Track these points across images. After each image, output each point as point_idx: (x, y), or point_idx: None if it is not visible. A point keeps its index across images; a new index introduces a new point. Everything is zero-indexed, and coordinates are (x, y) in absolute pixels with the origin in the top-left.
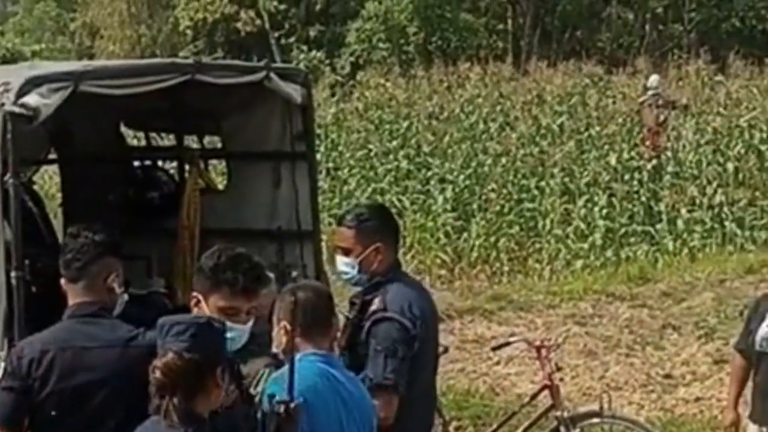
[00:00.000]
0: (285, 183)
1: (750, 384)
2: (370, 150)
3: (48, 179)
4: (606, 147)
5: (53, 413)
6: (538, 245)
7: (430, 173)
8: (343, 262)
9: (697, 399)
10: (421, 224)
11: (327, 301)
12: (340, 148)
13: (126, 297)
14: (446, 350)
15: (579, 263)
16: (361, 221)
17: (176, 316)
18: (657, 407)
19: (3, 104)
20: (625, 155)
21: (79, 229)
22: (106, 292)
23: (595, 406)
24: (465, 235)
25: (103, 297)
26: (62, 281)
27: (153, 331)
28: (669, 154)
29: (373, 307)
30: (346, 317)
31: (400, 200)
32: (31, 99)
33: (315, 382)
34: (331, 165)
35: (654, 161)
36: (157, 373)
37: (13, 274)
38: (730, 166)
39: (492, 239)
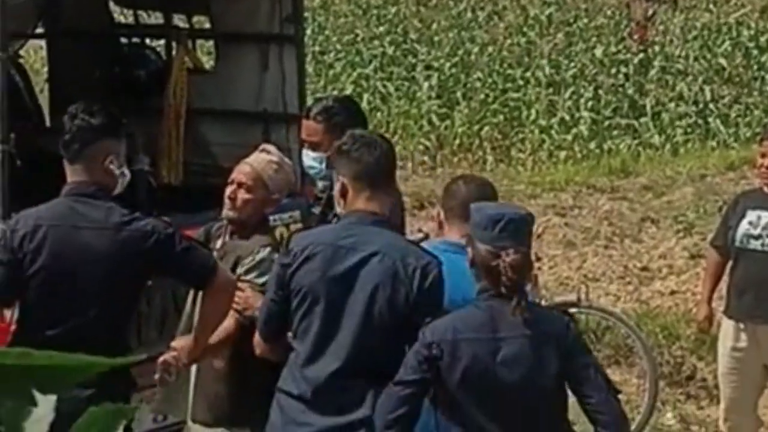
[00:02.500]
0: (272, 65)
1: (725, 279)
2: (357, 35)
3: (33, 53)
4: (593, 39)
5: (39, 290)
6: (521, 135)
7: (415, 60)
8: (310, 157)
9: (673, 292)
10: (405, 111)
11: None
12: (326, 32)
13: (128, 175)
14: (427, 236)
15: (562, 154)
16: (330, 115)
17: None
18: (633, 299)
19: None
20: (612, 48)
21: (77, 110)
22: (104, 174)
23: (573, 296)
24: (448, 122)
25: (100, 178)
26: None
27: (148, 218)
28: (656, 48)
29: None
30: (311, 212)
31: (384, 86)
32: None
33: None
34: (317, 49)
35: (641, 55)
36: (509, 272)
37: None
38: (716, 62)
39: (476, 128)
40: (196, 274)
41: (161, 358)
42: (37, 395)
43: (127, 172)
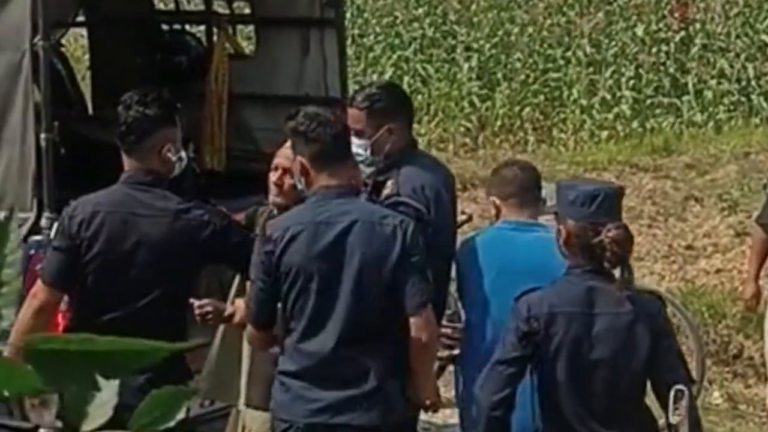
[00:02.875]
0: (313, 49)
1: None
2: (396, 17)
3: (73, 41)
4: (634, 18)
5: (96, 275)
6: (562, 115)
7: (455, 41)
8: (355, 144)
9: (718, 270)
10: (445, 92)
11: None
12: (365, 14)
13: (185, 161)
14: (470, 218)
15: (604, 134)
16: (373, 102)
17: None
18: (678, 278)
19: None
20: (653, 26)
21: (131, 100)
22: (160, 162)
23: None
24: (489, 104)
25: (157, 167)
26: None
27: (205, 207)
28: (697, 26)
29: (386, 191)
30: None
31: (425, 68)
32: None
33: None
34: (356, 32)
35: (682, 33)
36: (614, 247)
37: (42, 135)
38: (759, 39)
39: (516, 108)
40: (249, 265)
41: (213, 304)
42: (101, 380)
43: (184, 155)
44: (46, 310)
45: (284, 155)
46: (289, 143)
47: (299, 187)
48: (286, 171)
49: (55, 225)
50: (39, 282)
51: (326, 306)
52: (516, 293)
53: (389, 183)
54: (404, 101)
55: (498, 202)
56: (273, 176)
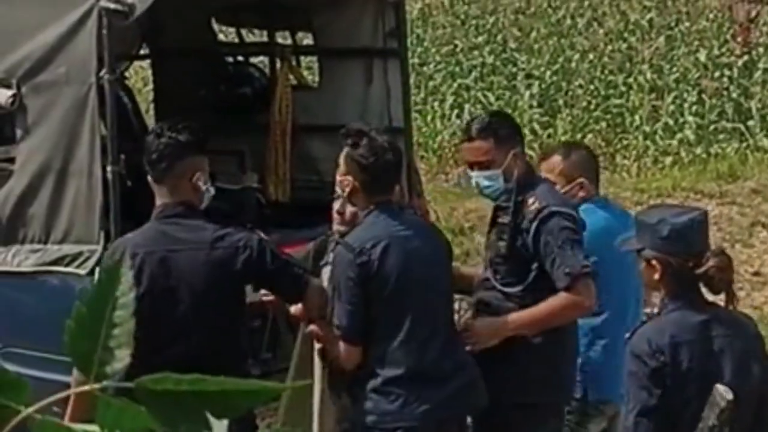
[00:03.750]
0: (377, 80)
1: None
2: (456, 45)
3: (134, 74)
4: (696, 43)
5: (143, 317)
6: (625, 142)
7: (516, 69)
8: (484, 176)
9: None
10: None
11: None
12: (425, 43)
13: (213, 191)
14: None
15: (668, 160)
16: (494, 130)
17: None
18: (746, 305)
19: (98, 0)
20: (716, 51)
21: (162, 128)
22: (191, 191)
23: None
24: (551, 130)
25: (188, 196)
26: (149, 179)
27: (240, 232)
28: (761, 50)
29: (533, 207)
30: (497, 223)
31: (485, 96)
32: None
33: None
34: (416, 60)
35: (745, 57)
36: (721, 274)
37: (109, 168)
38: None
39: (578, 135)
40: (289, 288)
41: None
42: (211, 419)
43: (211, 189)
44: None
45: (345, 184)
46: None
47: (340, 193)
48: (349, 197)
49: (97, 269)
50: (132, 294)
51: (426, 308)
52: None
53: (530, 200)
54: (516, 124)
55: (585, 182)
56: (336, 205)
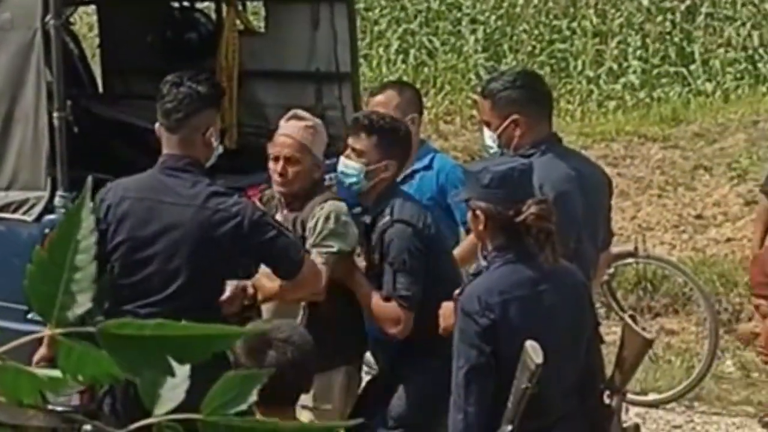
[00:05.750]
0: (323, 24)
1: None
2: None
3: (79, 19)
4: None
5: (122, 262)
6: (569, 86)
7: (460, 14)
8: (488, 135)
9: (729, 239)
10: (452, 65)
11: None
12: None
13: (221, 149)
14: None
15: (612, 104)
16: (496, 91)
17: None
18: (688, 247)
19: None
20: None
21: (182, 77)
22: (202, 146)
23: (630, 247)
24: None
25: (197, 151)
26: (157, 126)
27: (238, 199)
28: None
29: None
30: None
31: (430, 41)
32: None
33: None
34: (361, 6)
35: (688, 2)
36: (540, 223)
37: (55, 114)
38: (764, 7)
39: None
40: (282, 266)
41: (240, 284)
42: (174, 364)
43: (220, 147)
44: None
45: (284, 144)
46: (285, 127)
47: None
48: (288, 160)
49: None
50: (93, 237)
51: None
52: None
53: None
54: (534, 91)
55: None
56: (276, 167)
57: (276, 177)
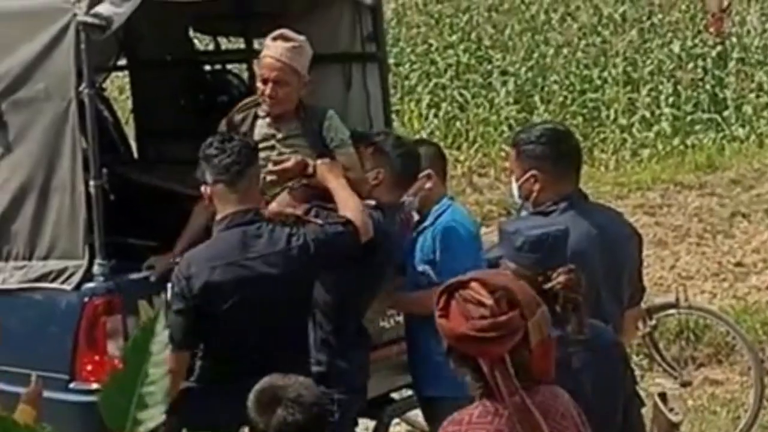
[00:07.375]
0: (356, 85)
1: None
2: (430, 44)
3: (110, 83)
4: (669, 35)
5: (231, 325)
6: (602, 135)
7: (491, 66)
8: (515, 186)
9: None
10: (483, 118)
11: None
12: (400, 43)
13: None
14: None
15: (645, 152)
16: (522, 143)
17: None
18: (729, 296)
19: (75, 14)
20: (689, 42)
21: (223, 136)
22: (257, 195)
23: (671, 297)
24: None
25: (255, 201)
26: (206, 188)
27: (301, 229)
28: (734, 39)
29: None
30: None
31: (461, 94)
32: (104, 8)
33: None
34: (392, 61)
35: (719, 48)
36: (567, 293)
37: (91, 183)
38: None
39: None
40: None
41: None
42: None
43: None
44: (180, 373)
45: (272, 67)
46: (273, 48)
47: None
48: (277, 82)
49: (170, 288)
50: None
51: None
52: None
53: None
54: (559, 150)
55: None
56: (266, 90)
57: (267, 99)
